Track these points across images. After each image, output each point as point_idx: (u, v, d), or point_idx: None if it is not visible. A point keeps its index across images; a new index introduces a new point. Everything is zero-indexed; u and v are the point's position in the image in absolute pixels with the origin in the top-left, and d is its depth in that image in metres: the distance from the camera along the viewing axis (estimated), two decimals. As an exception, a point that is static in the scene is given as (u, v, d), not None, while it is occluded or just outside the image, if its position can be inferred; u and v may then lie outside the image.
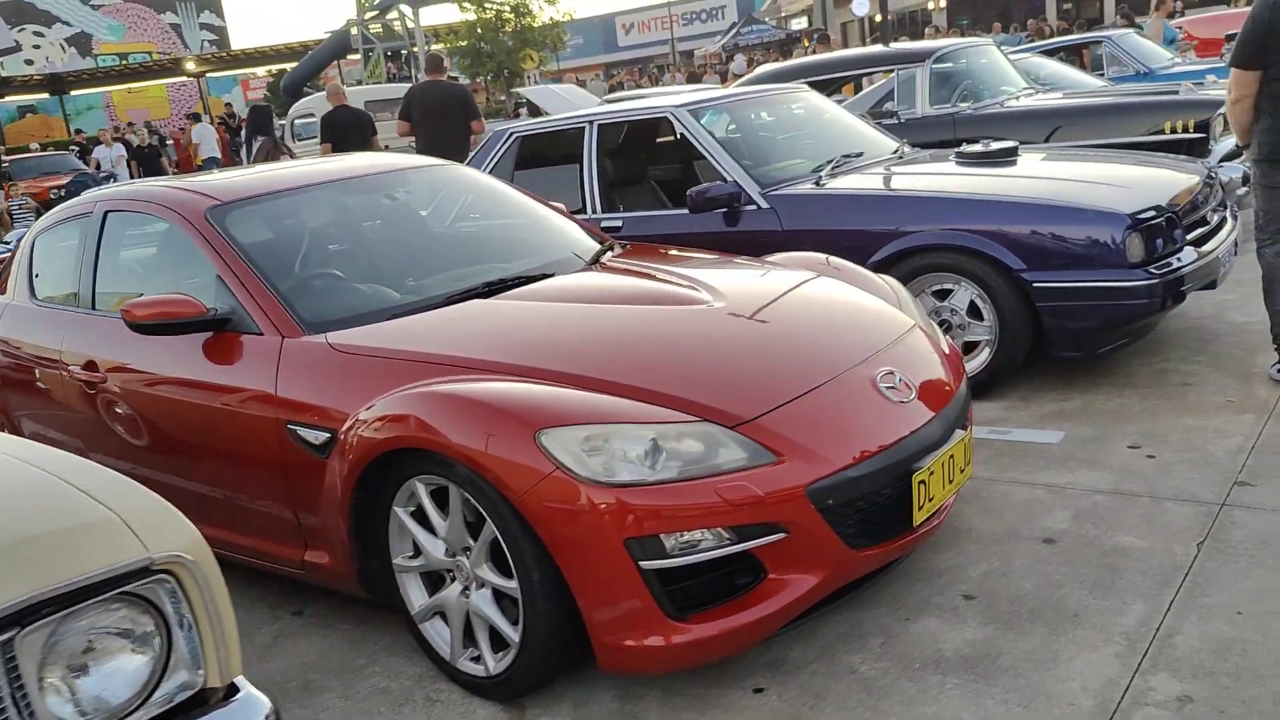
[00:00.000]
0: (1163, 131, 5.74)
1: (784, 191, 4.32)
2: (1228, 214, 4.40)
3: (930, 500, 2.37)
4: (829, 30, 33.54)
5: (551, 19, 30.57)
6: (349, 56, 37.06)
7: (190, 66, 41.07)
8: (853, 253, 4.03)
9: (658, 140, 5.02)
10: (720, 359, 2.44)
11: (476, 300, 2.83)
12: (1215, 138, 5.70)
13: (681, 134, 4.65)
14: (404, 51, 31.71)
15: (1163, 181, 4.08)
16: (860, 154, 4.76)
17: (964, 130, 6.36)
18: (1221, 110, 5.70)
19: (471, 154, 5.51)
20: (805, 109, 5.45)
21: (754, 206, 4.32)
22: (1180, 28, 14.37)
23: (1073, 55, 10.84)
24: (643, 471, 2.10)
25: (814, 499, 2.16)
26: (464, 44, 29.07)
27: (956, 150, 4.58)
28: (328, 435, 2.46)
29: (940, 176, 4.31)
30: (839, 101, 8.82)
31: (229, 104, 33.17)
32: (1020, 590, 2.55)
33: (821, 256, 3.35)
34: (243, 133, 9.04)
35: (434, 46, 29.79)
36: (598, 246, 3.42)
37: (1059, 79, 8.61)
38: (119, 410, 3.06)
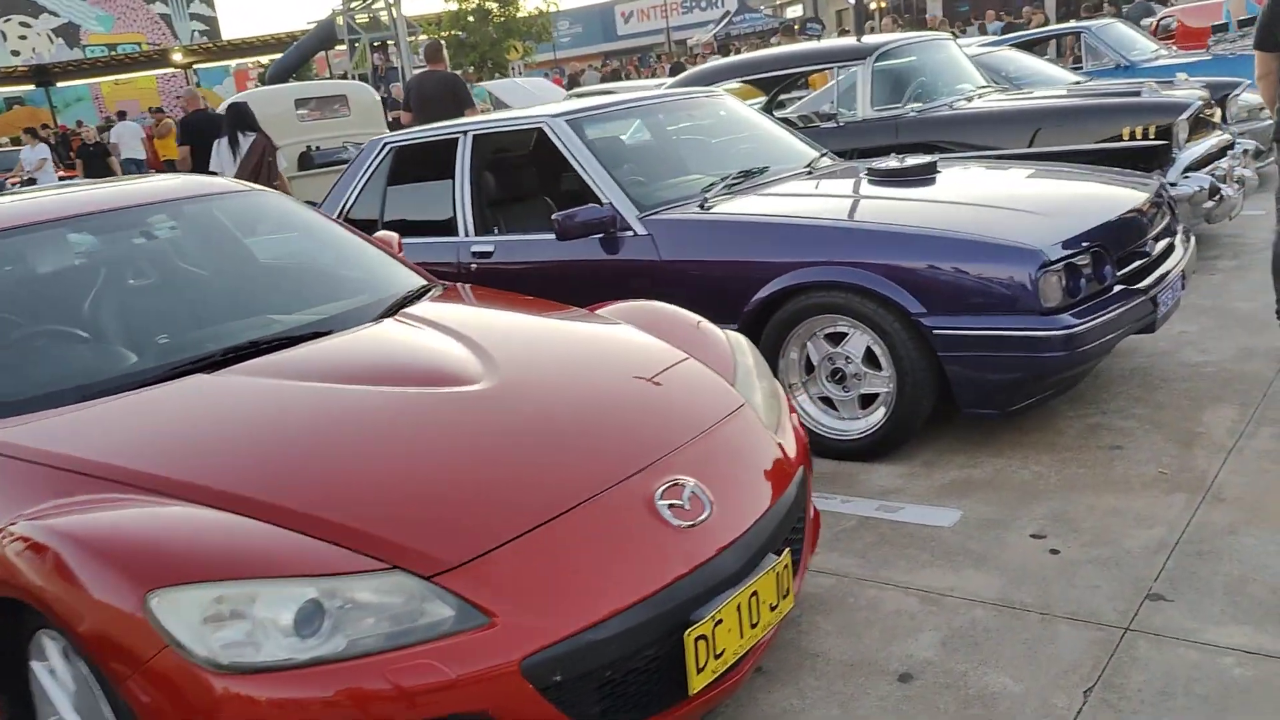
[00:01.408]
0: (1120, 138, 5.16)
1: (664, 216, 3.75)
2: (1177, 238, 3.82)
3: (717, 657, 1.82)
4: (821, 17, 32.94)
5: (537, 9, 29.94)
6: (337, 48, 36.56)
7: (177, 57, 40.46)
8: (735, 288, 3.51)
9: (544, 153, 4.45)
10: (452, 470, 1.88)
11: (198, 376, 2.28)
12: (1179, 145, 5.11)
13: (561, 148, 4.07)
14: (390, 42, 31.13)
15: (1096, 205, 3.51)
16: (765, 169, 4.19)
17: (907, 135, 5.79)
18: (1185, 115, 5.12)
19: (346, 166, 4.96)
20: (716, 116, 4.88)
21: (631, 232, 3.77)
22: (1174, 16, 13.76)
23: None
24: (292, 647, 1.55)
25: (532, 676, 1.61)
26: (444, 35, 28.43)
27: (868, 166, 4.01)
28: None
29: (839, 199, 3.74)
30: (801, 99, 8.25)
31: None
32: (852, 757, 2.00)
33: (660, 308, 2.79)
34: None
35: (421, 36, 29.21)
36: (407, 291, 2.87)
37: (1029, 74, 8.03)
38: None
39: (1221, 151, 5.63)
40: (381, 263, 3.09)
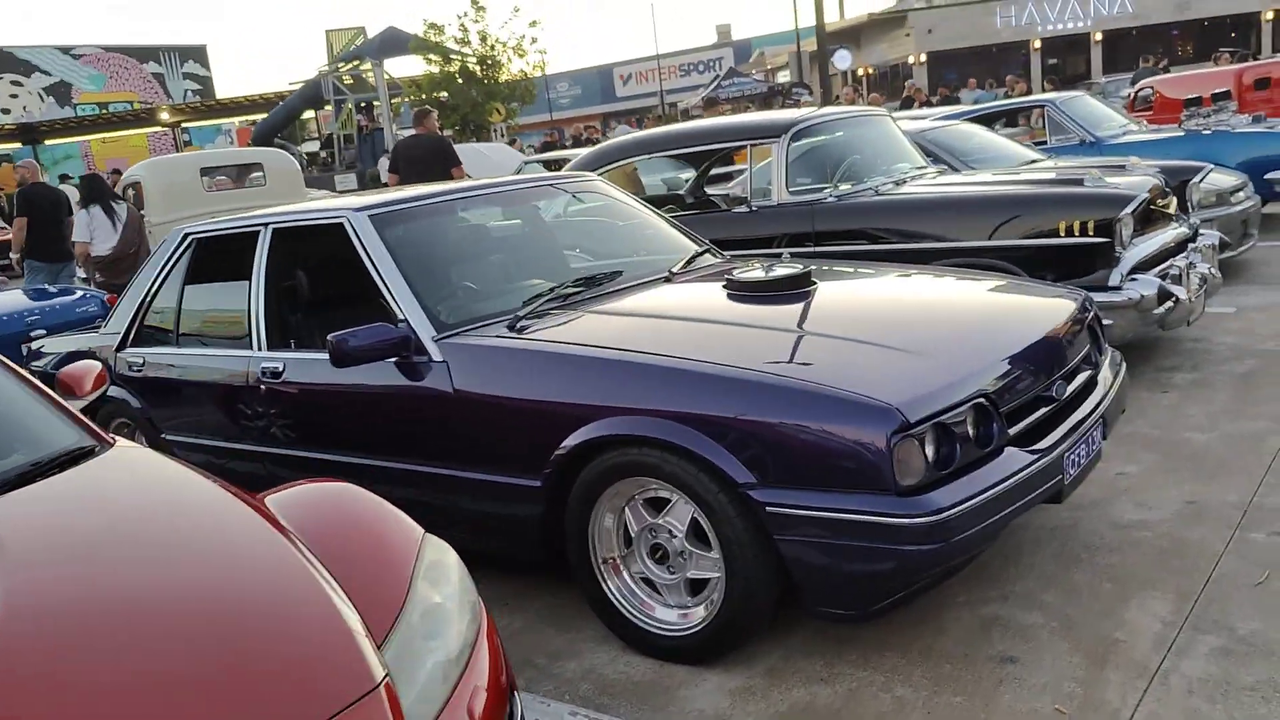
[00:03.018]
0: (1056, 233, 4.47)
1: (462, 339, 3.03)
2: (1102, 369, 3.09)
3: None
4: (809, 83, 32.84)
5: (521, 71, 29.76)
6: (327, 108, 36.38)
7: (164, 116, 40.44)
8: (536, 436, 2.78)
9: (353, 253, 3.73)
10: None
11: None
12: (1122, 242, 4.42)
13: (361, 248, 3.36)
14: (376, 103, 30.97)
15: (991, 338, 2.78)
16: (617, 274, 3.49)
17: (824, 222, 5.13)
18: (1129, 209, 4.43)
19: (148, 259, 4.28)
20: (586, 205, 4.21)
21: (426, 358, 3.04)
22: (1152, 87, 13.33)
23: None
24: None
25: None
26: (424, 97, 28.24)
27: (728, 275, 3.30)
28: None
29: (672, 323, 3.01)
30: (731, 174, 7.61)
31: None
32: None
33: (346, 500, 2.04)
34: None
35: (408, 99, 29.05)
36: (34, 462, 2.12)
37: (982, 152, 7.44)
38: None
39: (1179, 246, 4.95)
40: (26, 416, 2.35)
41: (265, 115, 37.15)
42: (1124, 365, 3.28)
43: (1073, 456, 2.67)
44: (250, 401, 3.57)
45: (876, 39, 33.21)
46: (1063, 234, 4.45)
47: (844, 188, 5.24)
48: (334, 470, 3.34)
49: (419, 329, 3.06)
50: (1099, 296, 4.36)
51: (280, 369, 3.46)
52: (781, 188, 5.26)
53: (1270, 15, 29.36)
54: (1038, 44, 30.28)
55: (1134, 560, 2.91)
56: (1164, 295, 4.40)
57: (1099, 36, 30.19)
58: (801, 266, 3.25)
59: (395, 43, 29.97)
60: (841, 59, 31.86)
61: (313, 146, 38.16)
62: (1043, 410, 2.69)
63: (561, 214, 4.17)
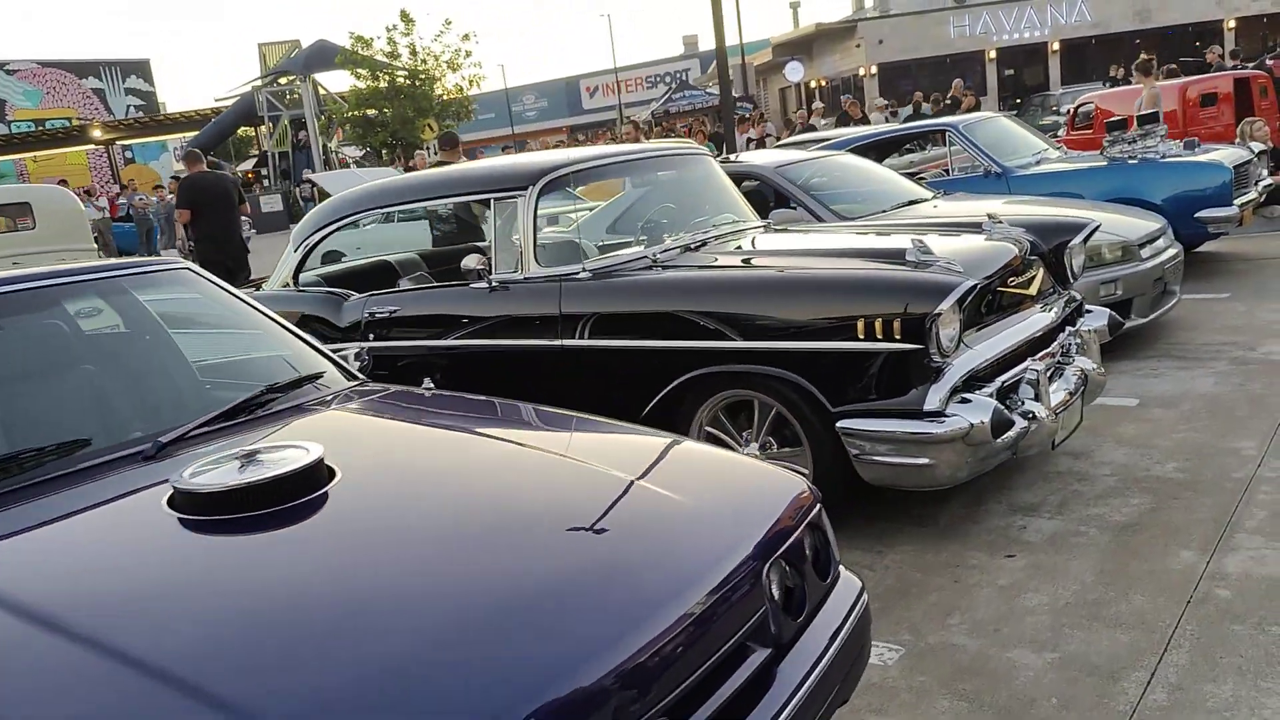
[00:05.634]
0: (852, 330, 3.15)
1: None
2: (810, 630, 1.77)
3: None
4: (755, 97, 31.64)
5: (457, 86, 28.49)
6: (261, 128, 34.82)
7: (96, 134, 38.87)
8: None
9: None
10: None
11: None
12: (942, 349, 3.10)
13: None
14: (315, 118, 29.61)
15: (528, 658, 1.46)
16: (81, 445, 2.15)
17: (574, 304, 3.82)
18: (949, 301, 3.12)
19: None
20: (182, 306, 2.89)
21: None
22: (1092, 102, 12.23)
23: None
24: None
25: None
26: (353, 114, 26.96)
27: (176, 485, 1.94)
28: None
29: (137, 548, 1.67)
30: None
31: None
32: None
33: None
34: None
35: (326, 117, 27.70)
36: None
37: (860, 188, 6.19)
38: None
39: (1047, 337, 3.66)
40: None
41: (196, 133, 35.69)
42: (864, 607, 1.97)
43: None
44: None
45: (827, 50, 32.08)
46: (861, 335, 3.13)
47: (608, 259, 3.93)
48: None
49: None
50: (908, 426, 3.08)
51: None
52: (529, 257, 3.94)
53: (1233, 24, 28.43)
54: (993, 54, 29.18)
55: None
56: (1002, 424, 3.09)
57: (1057, 46, 29.15)
58: (316, 454, 1.90)
59: (323, 57, 28.61)
60: (793, 71, 30.69)
61: (252, 164, 36.69)
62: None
63: (101, 323, 2.83)
